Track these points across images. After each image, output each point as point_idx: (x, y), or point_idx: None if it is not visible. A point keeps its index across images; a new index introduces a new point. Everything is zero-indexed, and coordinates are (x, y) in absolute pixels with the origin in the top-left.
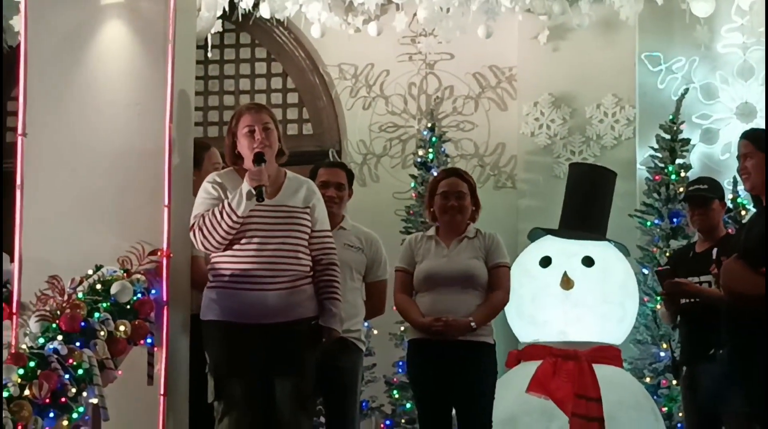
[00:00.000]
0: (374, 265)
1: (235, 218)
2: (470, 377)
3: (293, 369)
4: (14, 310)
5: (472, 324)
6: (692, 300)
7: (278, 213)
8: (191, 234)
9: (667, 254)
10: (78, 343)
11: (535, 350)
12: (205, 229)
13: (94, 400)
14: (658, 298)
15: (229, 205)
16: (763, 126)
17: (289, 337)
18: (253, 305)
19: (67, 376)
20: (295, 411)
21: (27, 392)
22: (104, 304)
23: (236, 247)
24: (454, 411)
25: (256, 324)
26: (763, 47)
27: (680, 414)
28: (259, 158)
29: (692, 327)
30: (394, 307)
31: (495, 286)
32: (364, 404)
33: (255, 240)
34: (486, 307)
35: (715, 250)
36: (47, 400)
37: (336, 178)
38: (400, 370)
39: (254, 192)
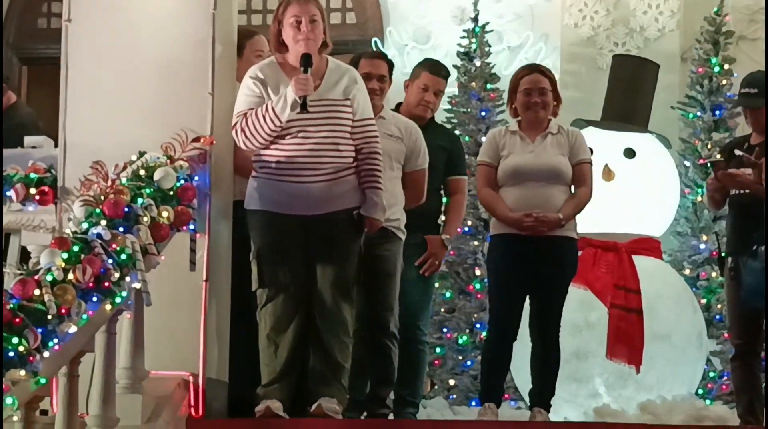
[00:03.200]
0: (413, 155)
1: (278, 123)
2: (553, 270)
3: (335, 257)
4: (58, 195)
5: (562, 220)
6: (742, 191)
7: (319, 107)
8: (233, 133)
9: (709, 147)
10: (121, 229)
11: None
12: (248, 130)
13: (137, 285)
14: (699, 190)
15: (273, 109)
16: None
17: (331, 226)
18: (296, 196)
19: (110, 261)
20: (336, 298)
21: (71, 276)
22: (147, 190)
23: (279, 140)
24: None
25: (299, 215)
26: None
27: (719, 306)
28: (306, 62)
29: (740, 219)
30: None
31: (580, 183)
32: None
33: (297, 132)
34: (573, 202)
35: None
36: (91, 285)
37: (378, 69)
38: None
39: (299, 101)
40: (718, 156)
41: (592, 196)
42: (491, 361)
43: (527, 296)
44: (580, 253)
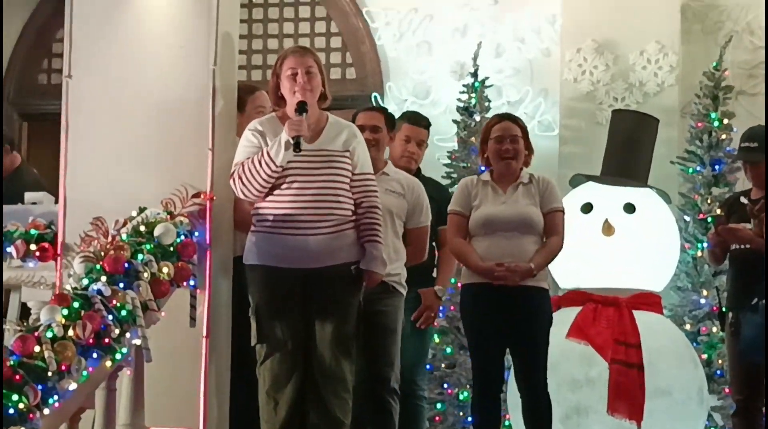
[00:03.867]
0: (415, 211)
1: (273, 167)
2: (528, 321)
3: (334, 312)
4: (59, 251)
5: (533, 269)
6: (743, 246)
7: (318, 157)
8: (231, 182)
9: (709, 202)
10: (121, 285)
11: (575, 296)
12: (244, 178)
13: (137, 342)
14: (699, 245)
15: (268, 153)
16: None
17: (330, 281)
18: (294, 250)
19: (110, 317)
20: (336, 354)
21: (71, 333)
22: (148, 246)
23: (277, 191)
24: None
25: (298, 268)
26: None
27: (719, 361)
28: (301, 107)
29: (740, 273)
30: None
31: (551, 232)
32: None
33: (295, 185)
34: (544, 252)
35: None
36: (91, 341)
37: (371, 121)
38: (441, 315)
39: (292, 141)
40: (719, 211)
41: (564, 245)
42: (480, 416)
43: (507, 348)
44: (580, 308)
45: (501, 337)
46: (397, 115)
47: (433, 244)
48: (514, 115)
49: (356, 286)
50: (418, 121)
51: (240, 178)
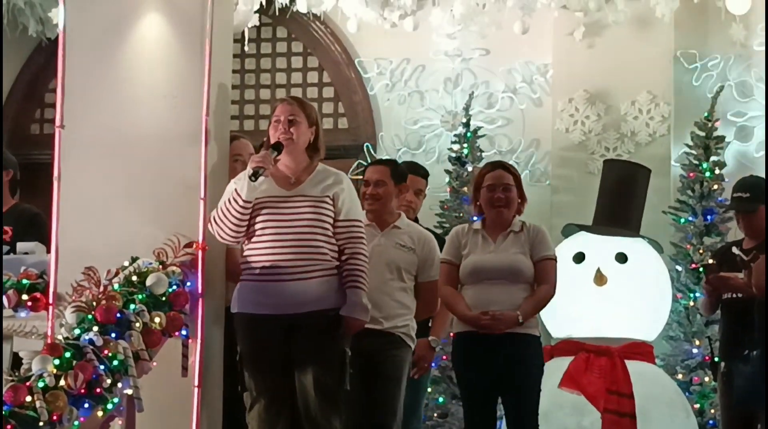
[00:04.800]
0: (426, 265)
1: (241, 202)
2: (518, 369)
3: (316, 361)
4: (50, 301)
5: (519, 318)
6: (735, 295)
7: (296, 203)
8: (209, 227)
9: (701, 251)
10: (113, 334)
11: (567, 346)
12: (217, 218)
13: (129, 391)
14: (691, 294)
15: (236, 190)
16: None
17: (311, 328)
18: (273, 296)
19: (102, 367)
20: (320, 403)
21: (62, 382)
22: (140, 296)
23: (255, 238)
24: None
25: (277, 315)
26: None
27: (712, 411)
28: (275, 146)
29: (732, 323)
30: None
31: (541, 280)
32: None
33: (273, 231)
34: (532, 300)
35: (734, 248)
36: (82, 391)
37: (374, 175)
38: (434, 365)
39: (252, 171)
40: (710, 261)
41: (555, 293)
42: None
43: (498, 397)
44: (572, 357)
45: (491, 385)
46: None
47: None
48: (507, 163)
49: (339, 334)
50: (415, 170)
51: (214, 219)
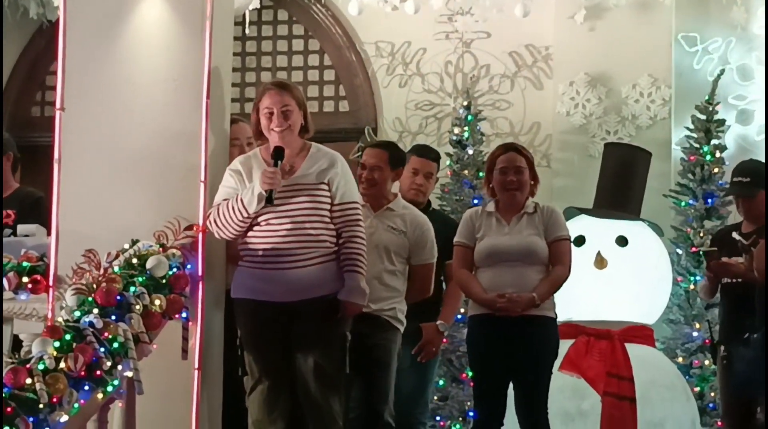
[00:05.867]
0: (417, 248)
1: (245, 214)
2: (533, 351)
3: (315, 346)
4: (51, 283)
5: (536, 300)
6: (735, 280)
7: (291, 190)
8: (208, 223)
9: (701, 235)
10: (113, 317)
11: (567, 329)
12: (219, 221)
13: (129, 374)
14: (692, 277)
15: (241, 200)
16: None
17: (310, 315)
18: (272, 283)
19: (102, 350)
20: (321, 388)
21: (62, 365)
22: (140, 279)
23: (255, 226)
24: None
25: (276, 302)
26: None
27: (712, 394)
28: (277, 154)
29: (732, 307)
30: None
31: (556, 261)
32: None
33: (270, 219)
34: (548, 281)
35: (734, 233)
36: (82, 373)
37: (371, 159)
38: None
39: (265, 194)
40: (709, 244)
41: (570, 274)
42: None
43: (510, 380)
44: (572, 341)
45: (504, 368)
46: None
47: (441, 278)
48: (519, 145)
49: (338, 319)
50: (426, 153)
51: (215, 221)
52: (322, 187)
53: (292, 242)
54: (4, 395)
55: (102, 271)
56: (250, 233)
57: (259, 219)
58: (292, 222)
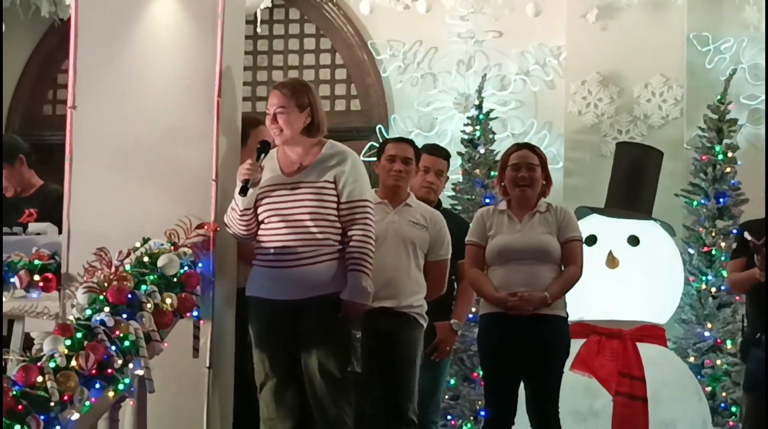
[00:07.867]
0: (436, 244)
1: (239, 212)
2: (544, 350)
3: (319, 345)
4: (62, 282)
5: (548, 299)
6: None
7: (296, 190)
8: (226, 228)
9: (713, 234)
10: (125, 315)
11: (579, 328)
12: (227, 219)
13: (140, 372)
14: (703, 277)
15: (234, 200)
16: None
17: (315, 313)
18: (279, 281)
19: (113, 348)
20: (326, 387)
21: (74, 363)
22: (151, 277)
23: (263, 226)
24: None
25: (284, 300)
26: None
27: (724, 394)
28: (261, 148)
29: (749, 305)
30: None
31: (569, 261)
32: None
33: (276, 218)
34: (560, 281)
35: (746, 234)
36: (93, 372)
37: (403, 152)
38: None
39: (241, 184)
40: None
41: (582, 274)
42: None
43: (521, 379)
44: (584, 340)
45: (516, 367)
46: None
47: (453, 277)
48: (533, 144)
49: (344, 318)
50: (437, 151)
51: (226, 224)
52: (326, 185)
53: (295, 240)
54: (15, 393)
55: (113, 270)
56: (260, 232)
57: (264, 217)
58: (295, 220)
